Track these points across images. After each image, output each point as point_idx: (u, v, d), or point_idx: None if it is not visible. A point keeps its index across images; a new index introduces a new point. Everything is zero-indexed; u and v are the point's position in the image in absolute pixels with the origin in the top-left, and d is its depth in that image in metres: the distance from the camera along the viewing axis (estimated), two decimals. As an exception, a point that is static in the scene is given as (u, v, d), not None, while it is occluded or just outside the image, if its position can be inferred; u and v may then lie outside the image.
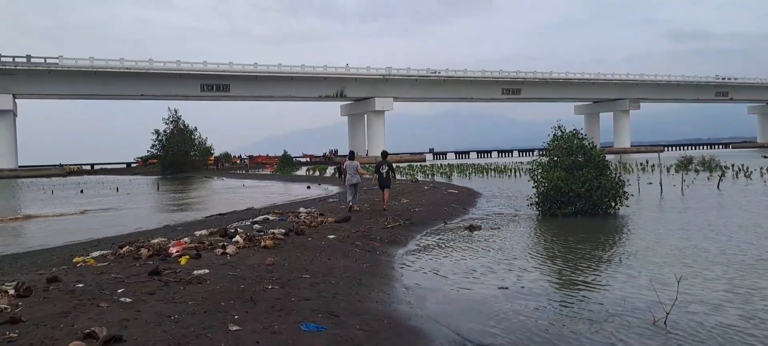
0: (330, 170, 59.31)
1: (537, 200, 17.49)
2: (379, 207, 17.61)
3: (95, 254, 9.83)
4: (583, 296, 7.78)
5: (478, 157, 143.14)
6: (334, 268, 9.16)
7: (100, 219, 21.20)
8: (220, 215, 20.02)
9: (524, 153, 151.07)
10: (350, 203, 17.02)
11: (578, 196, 16.52)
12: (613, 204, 16.89)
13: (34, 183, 60.62)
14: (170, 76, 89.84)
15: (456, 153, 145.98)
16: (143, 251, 9.51)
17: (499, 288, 8.36)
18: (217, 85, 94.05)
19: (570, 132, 17.92)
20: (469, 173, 45.67)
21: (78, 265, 8.95)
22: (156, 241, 11.20)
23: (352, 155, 18.52)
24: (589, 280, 8.80)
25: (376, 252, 11.04)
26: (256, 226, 13.10)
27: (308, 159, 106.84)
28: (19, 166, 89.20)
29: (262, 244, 10.33)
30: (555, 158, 17.53)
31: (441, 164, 65.53)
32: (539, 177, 17.72)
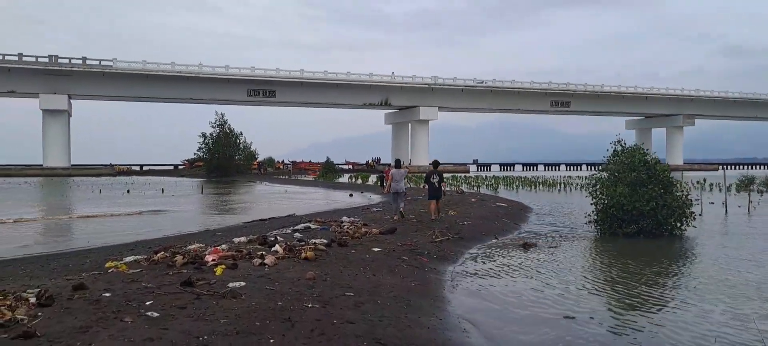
0: (372, 178, 58.78)
1: (596, 217, 16.38)
2: (426, 218, 16.84)
3: (129, 259, 9.32)
4: (659, 332, 6.81)
5: (523, 169, 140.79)
6: (380, 285, 8.40)
7: (144, 220, 20.97)
8: (260, 220, 19.53)
9: (572, 167, 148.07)
10: (396, 213, 16.61)
11: (641, 214, 15.37)
12: (678, 225, 15.66)
13: (85, 182, 61.90)
14: (219, 80, 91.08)
15: (501, 165, 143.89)
16: (178, 258, 8.95)
17: (565, 317, 7.44)
18: (263, 90, 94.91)
19: (632, 146, 16.77)
20: (517, 186, 44.38)
21: (109, 270, 8.43)
22: (193, 246, 10.66)
23: (398, 163, 18.03)
24: (663, 313, 7.81)
25: (425, 269, 10.24)
26: (297, 234, 12.46)
27: (351, 166, 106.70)
28: (72, 166, 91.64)
29: (303, 255, 9.65)
30: (616, 174, 16.38)
31: (486, 176, 64.21)
32: (599, 193, 16.61)
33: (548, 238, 15.17)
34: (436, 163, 18.20)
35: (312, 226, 13.69)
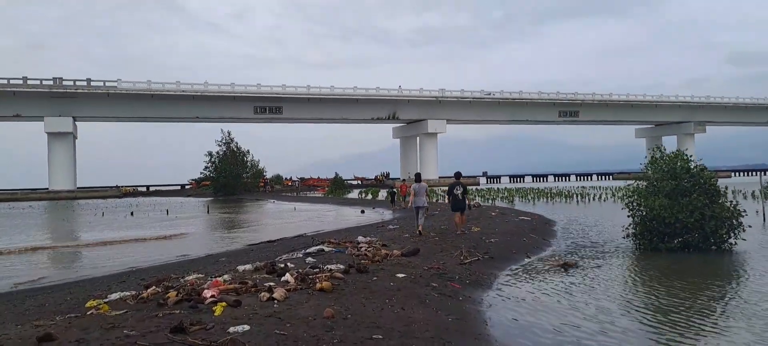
0: (382, 194, 57.41)
1: (634, 231, 14.93)
2: (448, 235, 15.50)
3: (114, 296, 7.98)
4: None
5: (533, 181, 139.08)
6: (412, 322, 7.01)
7: (143, 246, 19.63)
8: (268, 242, 18.21)
9: (582, 177, 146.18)
10: (419, 228, 16.05)
11: (686, 227, 13.93)
12: (727, 237, 14.19)
13: (90, 205, 60.88)
14: (224, 98, 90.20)
15: (510, 177, 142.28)
16: (171, 294, 7.60)
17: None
18: (270, 107, 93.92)
19: (673, 152, 15.34)
20: (532, 198, 42.86)
21: (89, 312, 7.09)
22: (190, 278, 9.33)
23: (418, 177, 17.47)
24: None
25: (459, 297, 8.84)
26: (310, 259, 11.10)
27: (359, 182, 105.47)
28: (78, 188, 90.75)
29: (318, 285, 8.27)
30: (655, 183, 14.95)
31: (498, 188, 62.66)
32: (635, 205, 15.17)
33: (585, 256, 13.73)
34: (458, 175, 17.61)
35: (325, 249, 12.32)
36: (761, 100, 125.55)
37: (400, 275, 9.59)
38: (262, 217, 35.58)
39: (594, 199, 40.67)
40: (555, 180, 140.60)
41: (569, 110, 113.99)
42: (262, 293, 7.68)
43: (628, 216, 15.34)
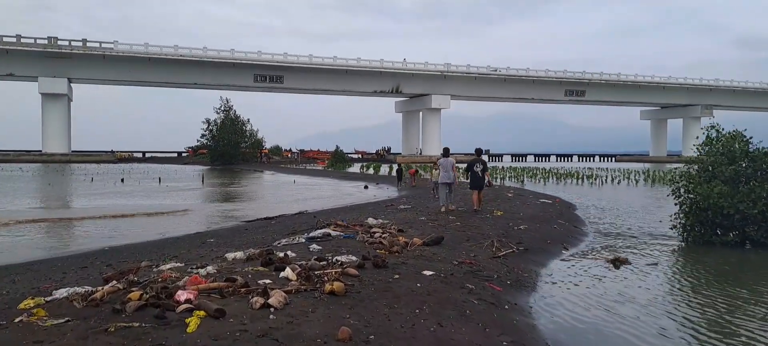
0: (384, 169, 55.49)
1: (683, 221, 13.06)
2: (470, 217, 13.66)
3: (61, 293, 6.10)
4: None
5: (535, 160, 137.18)
6: (455, 345, 5.17)
7: (122, 223, 17.60)
8: (266, 219, 16.33)
9: (584, 158, 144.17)
10: (443, 206, 15.60)
11: (746, 218, 12.07)
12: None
13: (82, 169, 58.97)
14: (224, 65, 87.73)
15: (512, 156, 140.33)
16: (133, 295, 5.71)
17: None
18: (270, 76, 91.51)
19: (731, 132, 13.39)
20: (542, 179, 41.00)
21: (18, 319, 5.22)
22: (166, 267, 7.46)
23: (446, 152, 16.44)
24: None
25: (503, 305, 6.99)
26: (314, 246, 9.21)
27: (360, 156, 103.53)
28: (72, 152, 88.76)
29: (327, 287, 6.40)
30: (710, 168, 13.04)
31: (503, 167, 60.66)
32: (683, 192, 13.29)
33: (630, 249, 11.87)
34: (479, 152, 17.11)
35: (332, 233, 10.43)
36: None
37: (428, 273, 7.71)
38: (260, 189, 33.72)
39: (608, 181, 38.81)
40: (557, 160, 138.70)
41: (576, 89, 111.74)
42: (255, 298, 5.79)
43: (676, 204, 13.46)
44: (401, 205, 17.72)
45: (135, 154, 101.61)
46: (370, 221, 12.60)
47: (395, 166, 40.81)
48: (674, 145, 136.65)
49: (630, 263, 10.09)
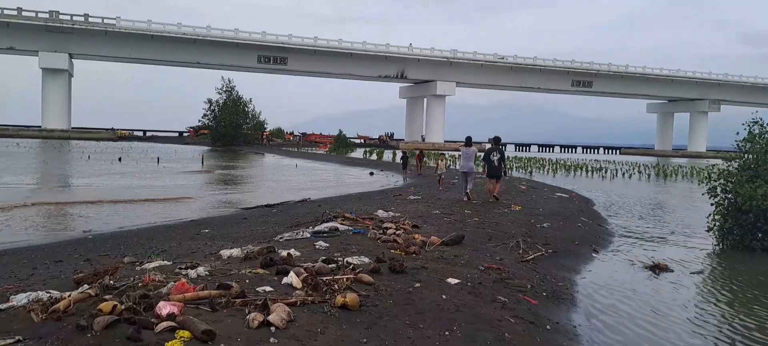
0: (387, 155, 54.41)
1: (720, 223, 12.01)
2: (487, 211, 12.63)
3: (19, 300, 5.07)
4: None
5: (539, 150, 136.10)
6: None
7: (108, 210, 16.45)
8: (267, 206, 15.30)
9: (588, 150, 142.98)
10: (463, 194, 15.39)
11: (792, 224, 11.04)
12: None
13: (81, 146, 58.00)
14: (227, 44, 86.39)
15: (516, 145, 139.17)
16: (105, 305, 4.67)
17: None
18: (274, 57, 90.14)
19: (776, 128, 12.29)
20: (550, 170, 39.94)
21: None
22: (151, 266, 6.43)
23: (468, 141, 16.43)
24: None
25: (544, 325, 5.96)
26: (321, 243, 8.18)
27: (362, 141, 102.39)
28: (73, 128, 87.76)
29: (338, 299, 5.38)
30: (753, 166, 11.96)
31: (508, 157, 59.43)
32: (720, 191, 12.22)
33: (665, 252, 10.84)
34: (497, 140, 16.35)
35: (340, 227, 9.40)
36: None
37: (453, 281, 6.68)
38: (261, 173, 32.70)
39: (618, 175, 37.72)
40: (561, 151, 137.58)
41: (583, 80, 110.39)
42: (252, 315, 4.76)
43: (712, 205, 12.41)
44: (410, 195, 16.66)
45: (135, 133, 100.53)
46: (381, 213, 11.56)
47: (399, 153, 39.76)
48: (679, 139, 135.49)
49: (671, 271, 9.06)
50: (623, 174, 38.24)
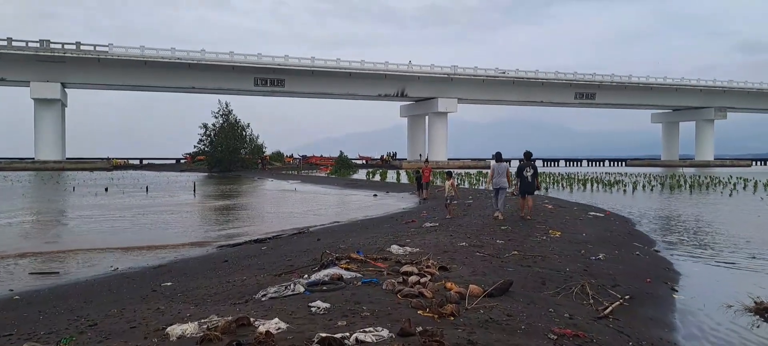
0: (391, 176, 52.06)
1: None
2: (522, 239, 10.27)
3: None
4: None
5: (544, 165, 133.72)
6: None
7: (67, 258, 14.06)
8: (255, 242, 12.93)
9: (594, 163, 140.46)
10: (497, 212, 14.89)
11: None
12: None
13: (73, 177, 55.77)
14: (223, 67, 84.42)
15: (520, 160, 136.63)
16: None
17: None
18: (271, 79, 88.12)
19: None
20: (565, 185, 37.56)
21: None
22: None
23: (498, 157, 15.86)
24: None
25: None
26: (318, 304, 5.79)
27: (364, 161, 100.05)
28: (67, 159, 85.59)
29: None
30: None
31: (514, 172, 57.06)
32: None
33: (752, 282, 8.46)
34: (528, 155, 15.70)
35: (344, 274, 7.04)
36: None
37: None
38: (258, 200, 30.29)
39: (639, 188, 35.31)
40: (566, 165, 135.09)
41: (586, 92, 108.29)
42: None
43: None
44: (425, 221, 14.28)
45: (132, 161, 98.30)
46: (395, 249, 9.20)
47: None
48: (685, 149, 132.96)
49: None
50: (644, 187, 35.83)
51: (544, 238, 11.11)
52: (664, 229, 15.63)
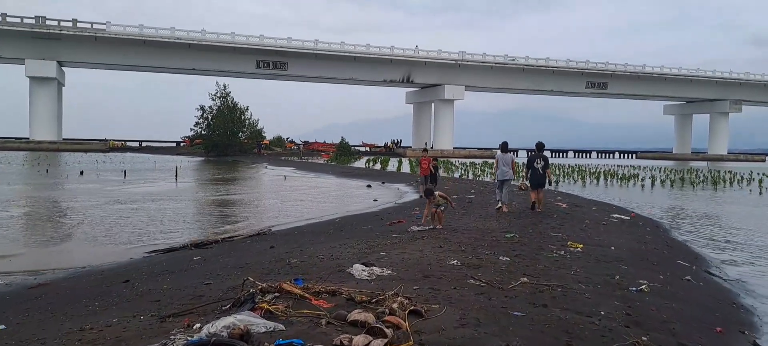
0: (393, 163, 49.43)
1: None
2: (533, 248, 7.68)
3: None
4: None
5: (553, 156, 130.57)
6: None
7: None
8: (190, 246, 10.35)
9: (604, 155, 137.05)
10: (499, 205, 14.53)
11: None
12: None
13: (64, 157, 53.54)
14: (224, 49, 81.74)
15: (528, 151, 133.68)
16: None
17: None
18: (273, 62, 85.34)
19: None
20: (580, 179, 34.86)
21: None
22: None
23: (504, 147, 15.15)
24: None
25: None
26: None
27: (368, 148, 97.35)
28: (63, 139, 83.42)
29: None
30: None
31: (523, 162, 54.37)
32: None
33: None
34: (540, 146, 15.24)
35: (254, 328, 4.46)
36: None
37: None
38: (239, 189, 27.72)
39: (657, 183, 32.54)
40: (575, 156, 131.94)
41: (598, 82, 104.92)
42: None
43: None
44: (415, 224, 11.62)
45: (130, 143, 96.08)
46: (356, 271, 6.60)
47: (405, 162, 34.49)
48: (698, 142, 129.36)
49: None
50: (662, 182, 33.05)
51: (562, 253, 8.47)
52: (708, 239, 12.87)
